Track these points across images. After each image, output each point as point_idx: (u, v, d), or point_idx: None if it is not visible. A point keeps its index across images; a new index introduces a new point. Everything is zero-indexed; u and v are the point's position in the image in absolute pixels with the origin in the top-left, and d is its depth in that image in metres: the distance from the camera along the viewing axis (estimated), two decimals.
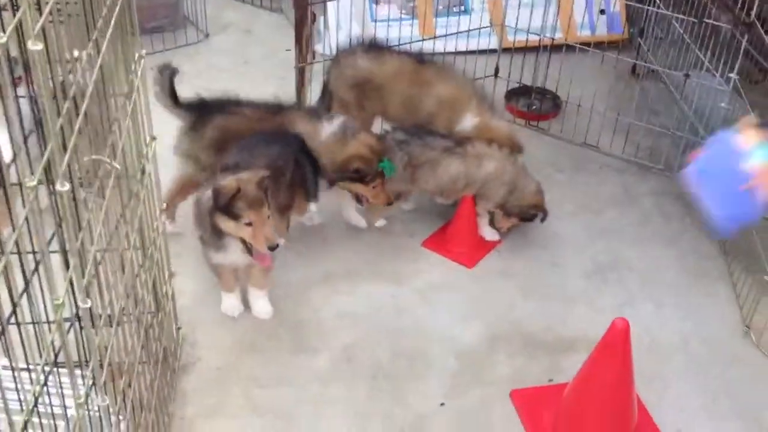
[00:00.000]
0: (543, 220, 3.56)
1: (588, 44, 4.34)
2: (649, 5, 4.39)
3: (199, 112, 3.43)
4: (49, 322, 1.63)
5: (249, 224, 2.84)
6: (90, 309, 1.81)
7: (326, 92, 3.93)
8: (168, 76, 3.42)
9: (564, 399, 2.68)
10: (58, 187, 1.48)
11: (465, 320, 3.21)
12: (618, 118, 4.20)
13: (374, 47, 3.88)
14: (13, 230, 1.41)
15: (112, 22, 2.06)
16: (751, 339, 3.17)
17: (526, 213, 3.55)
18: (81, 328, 1.91)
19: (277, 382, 2.89)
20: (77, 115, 1.71)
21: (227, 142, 3.29)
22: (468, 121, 3.65)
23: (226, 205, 2.82)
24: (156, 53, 4.76)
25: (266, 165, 3.03)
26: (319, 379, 2.93)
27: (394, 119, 3.83)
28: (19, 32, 1.59)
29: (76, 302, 1.73)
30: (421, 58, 3.82)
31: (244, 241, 2.90)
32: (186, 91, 4.50)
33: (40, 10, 1.54)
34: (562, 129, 4.34)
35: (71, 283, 1.70)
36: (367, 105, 3.82)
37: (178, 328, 2.98)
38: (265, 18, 5.37)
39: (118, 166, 2.01)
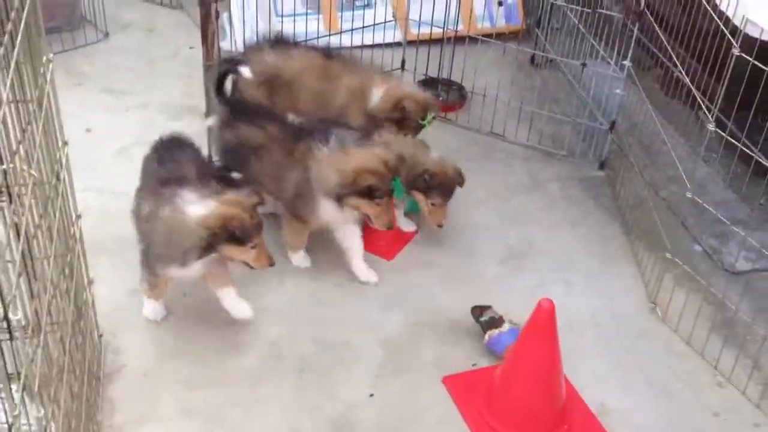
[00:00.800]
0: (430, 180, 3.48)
1: (489, 36, 4.47)
2: None
3: (232, 114, 3.47)
4: None
5: (254, 247, 2.85)
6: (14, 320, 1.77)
7: (221, 90, 3.81)
8: (225, 68, 3.54)
9: (496, 380, 2.78)
10: None
11: (387, 310, 3.28)
12: (521, 107, 4.35)
13: (281, 42, 3.87)
14: None
15: (22, 23, 2.00)
16: (657, 314, 3.36)
17: (420, 182, 3.47)
18: (10, 339, 1.86)
19: (205, 384, 2.88)
20: None
21: (240, 152, 3.36)
22: (375, 95, 3.69)
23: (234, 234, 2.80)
24: (55, 54, 4.58)
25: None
26: (247, 378, 2.94)
27: (304, 115, 3.82)
28: None
29: (5, 314, 1.68)
30: (328, 52, 3.85)
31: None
32: (89, 90, 4.42)
33: None
34: (468, 119, 4.45)
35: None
36: (277, 101, 3.79)
37: (100, 336, 2.93)
38: (166, 16, 5.27)
39: (35, 174, 1.97)
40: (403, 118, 3.65)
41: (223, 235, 2.78)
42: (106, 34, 4.92)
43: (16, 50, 1.87)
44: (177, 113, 4.30)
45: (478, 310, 3.16)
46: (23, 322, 2.01)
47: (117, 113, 4.28)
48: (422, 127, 3.69)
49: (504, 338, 3.01)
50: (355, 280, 3.40)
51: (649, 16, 3.93)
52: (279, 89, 3.79)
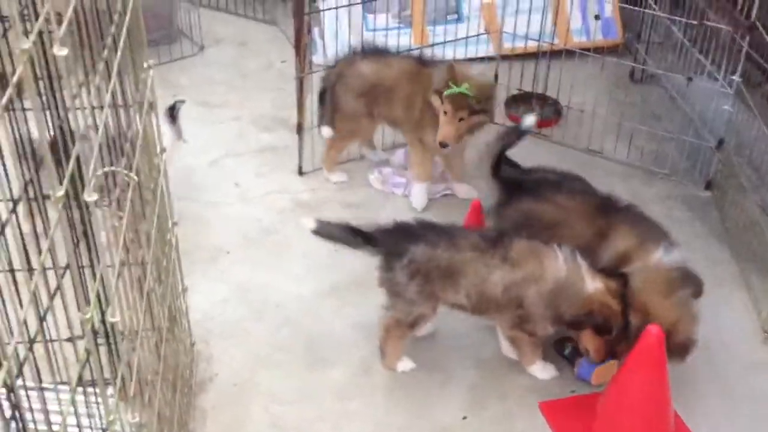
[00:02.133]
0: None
1: (587, 49, 4.33)
2: (644, 8, 4.39)
3: (510, 191, 3.16)
4: (71, 339, 1.57)
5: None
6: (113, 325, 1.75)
7: (324, 102, 3.86)
8: (502, 145, 3.20)
9: (599, 410, 2.63)
10: (85, 197, 1.42)
11: (483, 331, 3.15)
12: (620, 123, 4.18)
13: (373, 52, 3.84)
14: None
15: (124, 30, 2.00)
16: None
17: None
18: (107, 344, 1.84)
19: (295, 398, 2.83)
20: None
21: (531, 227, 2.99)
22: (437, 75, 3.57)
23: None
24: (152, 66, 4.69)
25: None
26: (336, 394, 2.87)
27: (394, 122, 3.83)
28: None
29: (103, 318, 1.66)
30: (422, 60, 3.81)
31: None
32: (185, 103, 4.48)
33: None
34: (564, 135, 4.31)
35: (98, 299, 1.63)
36: (376, 111, 3.78)
37: (193, 344, 2.92)
38: (260, 30, 5.31)
39: (135, 178, 1.95)
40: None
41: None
42: (202, 48, 5.00)
43: (118, 55, 1.86)
44: (268, 126, 4.31)
45: (558, 345, 3.01)
46: (120, 327, 2.00)
47: (210, 125, 4.31)
48: (465, 95, 3.45)
49: (587, 362, 2.87)
50: None
51: (761, 29, 3.72)
52: (379, 98, 3.75)
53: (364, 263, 3.43)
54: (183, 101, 3.68)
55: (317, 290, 3.32)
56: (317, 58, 4.82)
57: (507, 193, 3.14)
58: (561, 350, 3.00)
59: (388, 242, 2.84)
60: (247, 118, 4.37)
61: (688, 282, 2.84)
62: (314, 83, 4.43)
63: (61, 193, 1.36)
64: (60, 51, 1.30)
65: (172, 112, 3.63)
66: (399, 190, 3.90)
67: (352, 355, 3.03)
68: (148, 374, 2.22)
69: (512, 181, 3.18)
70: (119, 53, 1.95)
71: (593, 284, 2.74)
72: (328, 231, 2.89)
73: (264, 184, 3.90)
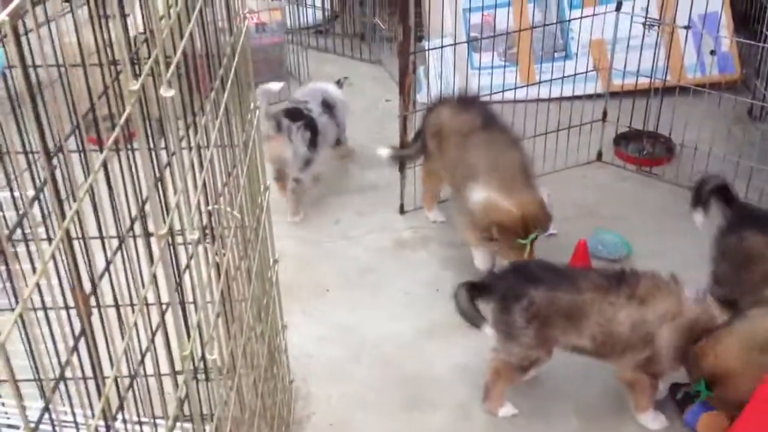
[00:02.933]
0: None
1: (702, 86, 4.16)
2: (762, 42, 4.19)
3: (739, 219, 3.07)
4: (174, 374, 1.58)
5: None
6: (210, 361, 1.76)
7: (419, 139, 3.82)
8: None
9: None
10: (187, 234, 1.44)
11: (587, 376, 3.02)
12: (739, 162, 3.98)
13: (462, 100, 3.71)
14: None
15: (232, 72, 2.05)
16: None
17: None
18: (206, 380, 1.86)
19: None
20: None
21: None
22: (474, 198, 3.30)
23: None
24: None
25: None
26: None
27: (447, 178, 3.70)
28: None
29: (203, 355, 1.68)
30: (491, 119, 3.56)
31: None
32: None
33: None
34: (678, 174, 4.13)
35: (199, 335, 1.65)
36: (440, 154, 3.64)
37: (291, 382, 2.92)
38: (365, 70, 5.39)
39: (238, 215, 1.98)
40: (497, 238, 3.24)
41: None
42: None
43: (225, 95, 1.91)
44: (370, 164, 4.33)
45: (674, 389, 2.85)
46: (219, 363, 2.02)
47: None
48: (524, 246, 3.21)
49: (696, 409, 2.73)
50: None
51: None
52: (442, 143, 3.62)
53: None
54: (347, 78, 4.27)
55: (416, 329, 3.27)
56: (421, 97, 4.84)
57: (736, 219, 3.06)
58: (674, 394, 2.84)
59: (504, 285, 2.78)
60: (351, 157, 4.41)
61: None
62: (418, 122, 4.45)
63: (164, 230, 1.39)
64: (167, 92, 1.33)
65: (339, 85, 4.33)
66: None
67: (451, 398, 2.96)
68: (246, 412, 2.23)
69: (743, 211, 3.12)
70: (226, 94, 2.00)
71: (722, 318, 2.63)
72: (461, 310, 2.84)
73: (365, 223, 3.90)
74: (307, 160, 3.84)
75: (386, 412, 2.89)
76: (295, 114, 3.87)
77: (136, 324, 1.38)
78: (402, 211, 3.96)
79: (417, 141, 3.84)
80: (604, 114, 4.40)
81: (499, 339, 2.79)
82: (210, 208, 1.89)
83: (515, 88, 4.20)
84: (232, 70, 2.07)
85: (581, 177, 4.28)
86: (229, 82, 2.00)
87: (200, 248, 1.81)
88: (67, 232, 1.28)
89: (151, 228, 1.43)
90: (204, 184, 1.64)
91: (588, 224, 3.79)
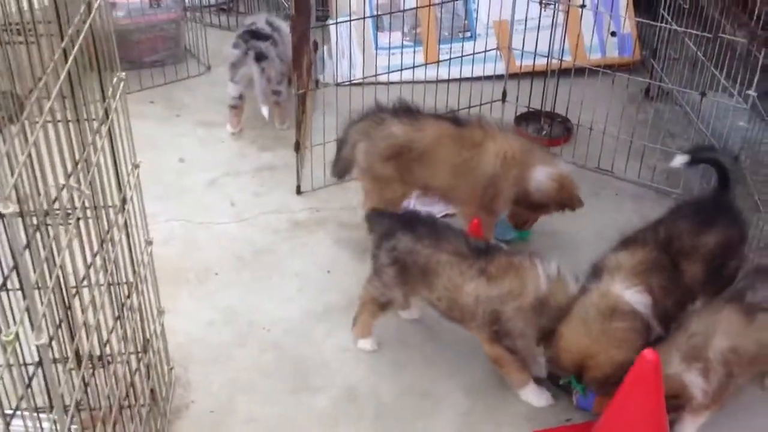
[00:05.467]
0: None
1: (599, 67, 4.19)
2: (661, 22, 4.24)
3: None
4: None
5: None
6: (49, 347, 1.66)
7: (340, 158, 3.51)
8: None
9: None
10: (1, 208, 1.33)
11: (474, 354, 3.00)
12: (632, 141, 4.03)
13: (405, 112, 3.39)
14: None
15: (78, 43, 1.92)
16: None
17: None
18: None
19: (275, 425, 2.71)
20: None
21: None
22: (539, 177, 3.30)
23: None
24: (157, 86, 4.67)
25: None
26: (320, 420, 2.74)
27: (439, 190, 3.41)
28: None
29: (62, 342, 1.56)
30: (457, 120, 3.42)
31: None
32: (187, 121, 4.44)
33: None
34: (574, 154, 4.16)
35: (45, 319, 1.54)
36: (408, 177, 3.35)
37: (170, 369, 2.82)
38: None
39: (86, 191, 1.86)
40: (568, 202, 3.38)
41: None
42: (208, 68, 4.95)
43: (68, 62, 1.78)
44: (268, 145, 4.23)
45: (553, 376, 2.86)
46: (65, 352, 1.91)
47: (210, 144, 4.25)
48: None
49: (582, 396, 2.71)
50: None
51: None
52: (410, 164, 3.32)
53: (359, 285, 3.33)
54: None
55: (308, 313, 3.21)
56: (326, 77, 4.75)
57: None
58: (556, 381, 2.84)
59: (384, 223, 2.92)
60: (248, 138, 4.30)
61: None
62: (319, 102, 4.37)
63: None
64: None
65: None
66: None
67: (339, 380, 2.90)
68: (115, 401, 2.12)
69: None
70: (67, 66, 1.88)
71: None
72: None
73: (261, 204, 3.80)
74: (282, 72, 4.20)
75: (271, 397, 2.82)
76: (259, 34, 4.20)
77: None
78: (299, 191, 3.87)
79: (341, 153, 3.50)
80: (504, 94, 4.40)
81: (371, 270, 2.94)
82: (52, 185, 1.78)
83: (413, 67, 4.16)
84: (80, 39, 1.94)
85: None
86: (73, 53, 1.88)
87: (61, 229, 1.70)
88: None
89: None
90: (31, 160, 1.53)
91: None
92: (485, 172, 3.27)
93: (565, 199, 3.35)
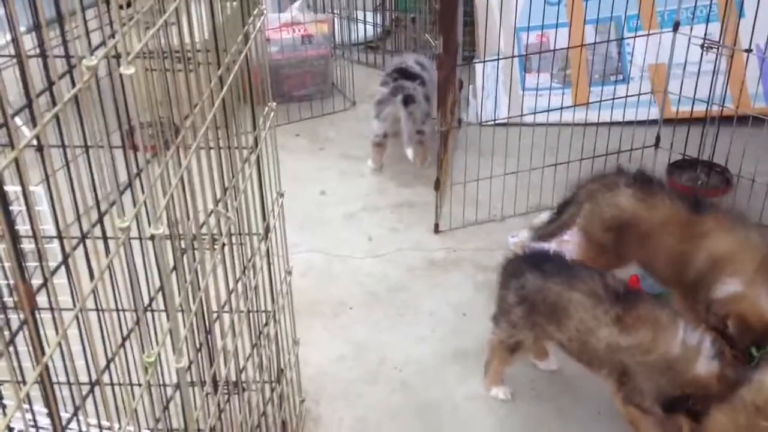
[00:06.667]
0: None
1: (765, 116, 3.91)
2: None
3: None
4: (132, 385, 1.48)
5: None
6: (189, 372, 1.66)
7: (558, 220, 3.26)
8: None
9: None
10: (152, 230, 1.33)
11: (612, 413, 2.81)
12: None
13: (641, 182, 3.10)
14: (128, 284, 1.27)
15: (236, 68, 1.96)
16: None
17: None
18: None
19: None
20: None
21: None
22: (729, 287, 2.83)
23: None
24: (304, 120, 4.77)
25: None
26: None
27: (654, 274, 3.15)
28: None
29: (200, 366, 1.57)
30: (697, 204, 3.01)
31: None
32: (330, 155, 4.50)
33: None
34: (733, 207, 3.88)
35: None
36: (623, 252, 3.12)
37: (302, 401, 2.80)
38: None
39: (231, 216, 1.88)
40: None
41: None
42: (354, 104, 5.02)
43: (223, 90, 1.81)
44: (408, 181, 4.21)
45: None
46: (202, 376, 1.91)
47: (351, 178, 4.28)
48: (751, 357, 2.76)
49: None
50: (576, 376, 2.98)
51: None
52: (630, 239, 3.07)
53: None
54: None
55: (440, 355, 3.12)
56: (470, 117, 4.70)
57: None
58: None
59: (512, 263, 2.83)
60: (388, 173, 4.30)
61: None
62: (462, 141, 4.31)
63: (125, 224, 1.29)
64: (127, 70, 1.23)
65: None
66: None
67: (469, 429, 2.79)
68: (247, 430, 2.12)
69: None
70: (222, 92, 1.91)
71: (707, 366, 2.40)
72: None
73: (397, 240, 3.77)
74: (427, 113, 4.17)
75: None
76: (408, 73, 4.22)
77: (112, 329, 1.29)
78: (437, 230, 3.81)
79: (562, 215, 3.26)
80: (657, 140, 4.19)
81: (496, 311, 2.83)
82: (201, 210, 1.80)
83: (561, 108, 4.03)
84: (235, 68, 1.97)
85: None
86: (228, 81, 1.90)
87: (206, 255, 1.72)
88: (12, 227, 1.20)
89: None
90: (183, 185, 1.54)
91: None
92: (694, 268, 2.90)
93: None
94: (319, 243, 3.72)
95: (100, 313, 1.71)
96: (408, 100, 4.09)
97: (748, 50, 3.84)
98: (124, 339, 1.73)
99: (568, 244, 3.58)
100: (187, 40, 1.63)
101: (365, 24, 5.58)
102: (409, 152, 4.09)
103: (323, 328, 3.22)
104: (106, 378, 1.80)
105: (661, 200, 3.03)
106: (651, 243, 3.02)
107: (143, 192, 1.39)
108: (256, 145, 2.18)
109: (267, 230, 2.31)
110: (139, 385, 1.47)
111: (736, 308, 2.79)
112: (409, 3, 5.55)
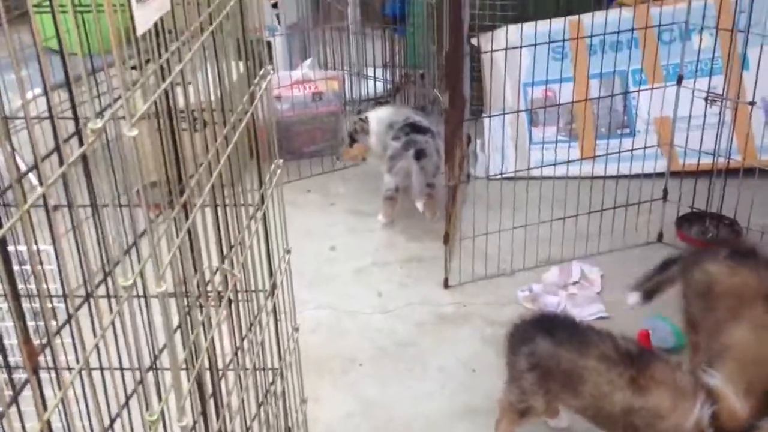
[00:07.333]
0: None
1: None
2: None
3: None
4: None
5: None
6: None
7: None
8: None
9: None
10: (155, 287, 1.35)
11: None
12: None
13: (743, 254, 2.90)
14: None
15: (240, 130, 1.99)
16: None
17: None
18: None
19: None
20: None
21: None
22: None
23: None
24: (315, 176, 4.82)
25: None
26: None
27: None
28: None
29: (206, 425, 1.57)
30: None
31: None
32: (340, 210, 4.53)
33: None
34: None
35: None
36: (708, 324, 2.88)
37: None
38: None
39: (237, 274, 1.89)
40: None
41: None
42: (364, 159, 5.05)
43: (228, 148, 1.84)
44: (417, 236, 4.23)
45: None
46: None
47: (361, 233, 4.30)
48: None
49: None
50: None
51: None
52: (719, 309, 2.84)
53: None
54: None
55: (450, 412, 3.09)
56: (478, 172, 4.73)
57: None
58: None
59: (520, 327, 2.79)
60: (397, 228, 4.32)
61: None
62: (470, 195, 4.34)
63: (128, 282, 1.30)
64: (130, 132, 1.26)
65: None
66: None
67: None
68: None
69: None
70: (229, 149, 1.94)
71: None
72: None
73: (407, 296, 3.77)
74: (437, 166, 4.18)
75: None
76: (419, 127, 4.28)
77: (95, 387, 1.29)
78: (446, 285, 3.81)
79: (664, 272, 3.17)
80: (665, 193, 4.19)
81: (507, 376, 2.80)
82: (207, 267, 1.81)
83: (568, 161, 4.04)
84: (241, 126, 2.01)
85: (641, 258, 4.04)
86: (233, 140, 1.94)
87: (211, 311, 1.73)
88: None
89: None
90: (189, 243, 1.56)
91: (645, 309, 3.55)
92: None
93: None
94: (328, 299, 3.72)
95: (104, 372, 1.72)
96: (420, 155, 4.14)
97: (752, 102, 3.86)
98: (127, 398, 1.73)
99: (576, 297, 3.58)
100: (192, 100, 1.67)
101: (375, 80, 5.67)
102: (420, 205, 4.12)
103: (332, 384, 3.20)
104: None
105: (758, 275, 2.77)
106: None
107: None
108: (263, 202, 2.20)
109: (273, 287, 2.32)
110: None
111: None
112: (419, 60, 5.65)
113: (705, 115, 3.96)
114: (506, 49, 3.86)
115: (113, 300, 1.45)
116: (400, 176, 4.24)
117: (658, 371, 2.48)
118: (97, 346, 1.44)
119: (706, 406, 2.40)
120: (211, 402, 1.86)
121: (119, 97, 1.29)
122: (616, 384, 2.50)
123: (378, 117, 4.50)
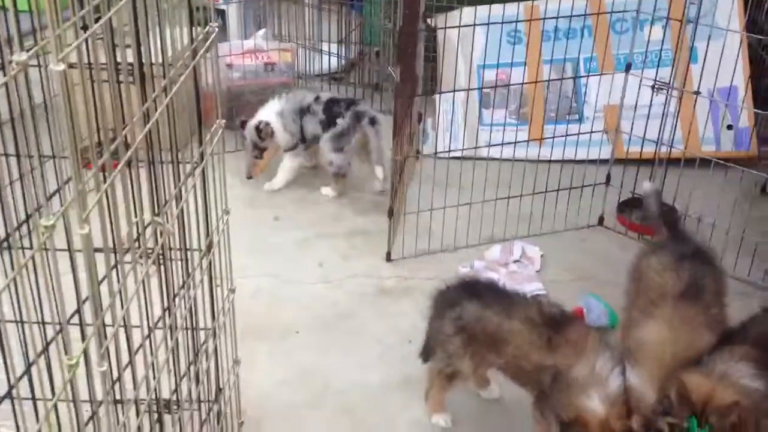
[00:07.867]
0: None
1: (711, 158, 4.01)
2: None
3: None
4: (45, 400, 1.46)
5: None
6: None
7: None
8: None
9: None
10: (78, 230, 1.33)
11: None
12: (743, 238, 3.80)
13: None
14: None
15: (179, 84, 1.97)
16: None
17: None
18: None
19: None
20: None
21: None
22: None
23: None
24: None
25: None
26: None
27: None
28: None
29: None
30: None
31: None
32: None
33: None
34: None
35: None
36: None
37: (241, 423, 2.77)
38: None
39: (171, 228, 1.88)
40: None
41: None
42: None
43: (161, 107, 1.82)
44: (365, 209, 4.24)
45: None
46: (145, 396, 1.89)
47: (307, 205, 4.29)
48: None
49: None
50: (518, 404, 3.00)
51: None
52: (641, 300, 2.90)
53: None
54: None
55: (386, 381, 3.11)
56: (427, 149, 4.75)
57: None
58: None
59: (445, 292, 2.80)
60: (346, 200, 4.32)
61: None
62: (417, 172, 4.35)
63: (50, 222, 1.28)
64: (56, 66, 1.23)
65: None
66: None
67: None
68: None
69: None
70: (164, 104, 1.92)
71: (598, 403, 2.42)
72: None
73: (349, 268, 3.78)
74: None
75: None
76: (351, 100, 4.43)
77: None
78: (389, 258, 3.83)
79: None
80: (608, 178, 4.27)
81: (426, 343, 2.85)
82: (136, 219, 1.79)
83: (515, 143, 4.09)
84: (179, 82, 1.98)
85: (580, 240, 4.14)
86: (170, 95, 1.91)
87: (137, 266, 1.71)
88: None
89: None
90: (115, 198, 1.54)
91: (581, 289, 3.63)
92: None
93: None
94: (269, 267, 3.72)
95: (23, 325, 1.69)
96: (373, 121, 4.20)
97: (697, 92, 3.95)
98: (45, 346, 1.71)
99: (516, 275, 3.63)
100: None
101: (329, 55, 5.64)
102: (379, 171, 4.15)
103: (268, 351, 3.20)
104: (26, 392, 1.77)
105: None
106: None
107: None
108: (202, 159, 2.18)
109: (210, 246, 2.30)
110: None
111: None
112: (375, 37, 5.64)
113: (651, 105, 4.04)
114: (459, 26, 3.89)
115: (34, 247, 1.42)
116: (350, 152, 4.24)
117: (573, 333, 2.56)
118: (16, 293, 1.42)
119: (608, 364, 2.47)
120: (137, 359, 1.85)
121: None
122: (534, 344, 2.57)
123: (275, 112, 4.34)
